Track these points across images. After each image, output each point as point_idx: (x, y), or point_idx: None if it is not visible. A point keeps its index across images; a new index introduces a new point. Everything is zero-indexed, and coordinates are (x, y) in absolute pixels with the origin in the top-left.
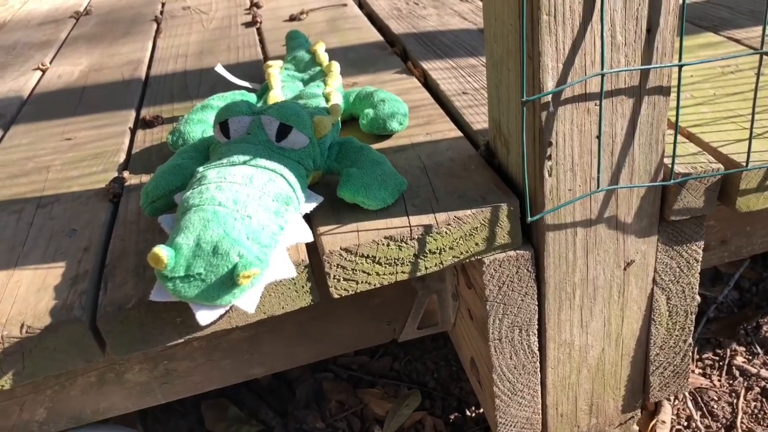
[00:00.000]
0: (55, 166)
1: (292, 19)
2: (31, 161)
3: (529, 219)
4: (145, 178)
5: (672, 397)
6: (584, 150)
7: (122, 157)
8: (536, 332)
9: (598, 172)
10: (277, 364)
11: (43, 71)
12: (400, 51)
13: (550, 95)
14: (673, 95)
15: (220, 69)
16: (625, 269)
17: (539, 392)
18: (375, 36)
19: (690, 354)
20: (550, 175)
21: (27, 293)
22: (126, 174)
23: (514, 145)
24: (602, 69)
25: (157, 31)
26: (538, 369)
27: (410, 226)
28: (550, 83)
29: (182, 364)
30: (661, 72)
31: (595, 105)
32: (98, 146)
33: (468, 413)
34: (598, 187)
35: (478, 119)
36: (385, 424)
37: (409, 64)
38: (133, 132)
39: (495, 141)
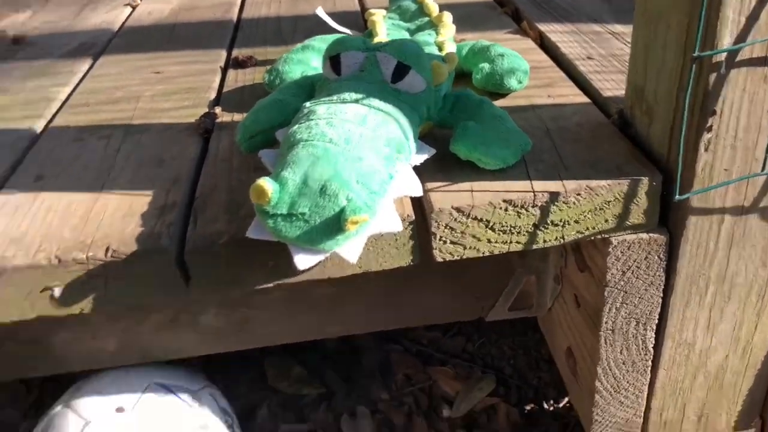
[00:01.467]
0: (145, 97)
1: None
2: (120, 90)
3: (677, 197)
4: (237, 116)
5: None
6: (751, 124)
7: (213, 95)
8: (654, 327)
9: (766, 152)
10: (354, 326)
11: (134, 8)
12: (512, 11)
13: (725, 54)
14: None
15: (320, 12)
16: None
17: (645, 393)
18: None
19: None
20: (706, 150)
21: (113, 218)
22: (218, 110)
23: (661, 113)
24: None
25: None
26: (649, 368)
27: (534, 192)
28: (727, 39)
29: (260, 314)
30: None
31: None
32: (188, 82)
33: (545, 406)
34: (763, 170)
35: (608, 86)
36: (455, 404)
37: (523, 24)
38: (224, 71)
39: (633, 109)
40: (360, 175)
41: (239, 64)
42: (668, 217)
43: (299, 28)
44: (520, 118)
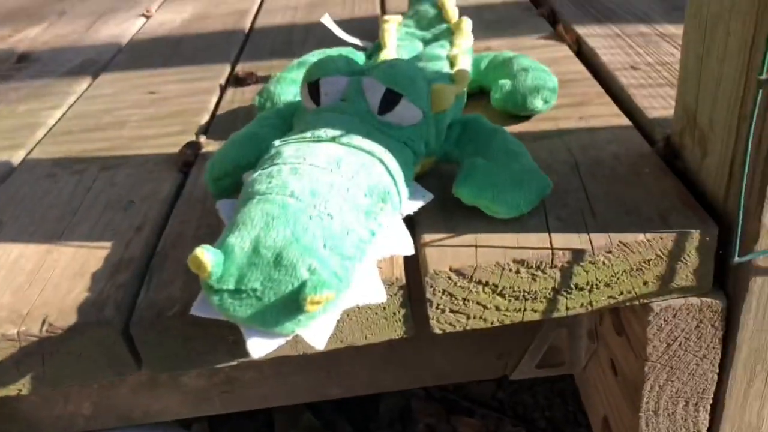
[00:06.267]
0: (132, 122)
1: None
2: (109, 114)
3: (736, 258)
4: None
5: None
6: None
7: (205, 118)
8: (708, 408)
9: None
10: (357, 388)
11: (148, 18)
12: (548, 12)
13: None
14: None
15: (326, 20)
16: None
17: None
18: None
19: None
20: None
21: (61, 278)
22: (203, 139)
23: (717, 144)
24: None
25: None
26: None
27: (552, 249)
28: None
29: (247, 374)
30: None
31: None
32: (182, 103)
33: None
34: None
35: (655, 104)
36: None
37: (558, 28)
38: (222, 89)
39: (683, 136)
40: (329, 236)
41: (238, 81)
42: (726, 278)
43: (311, 36)
44: (543, 147)
